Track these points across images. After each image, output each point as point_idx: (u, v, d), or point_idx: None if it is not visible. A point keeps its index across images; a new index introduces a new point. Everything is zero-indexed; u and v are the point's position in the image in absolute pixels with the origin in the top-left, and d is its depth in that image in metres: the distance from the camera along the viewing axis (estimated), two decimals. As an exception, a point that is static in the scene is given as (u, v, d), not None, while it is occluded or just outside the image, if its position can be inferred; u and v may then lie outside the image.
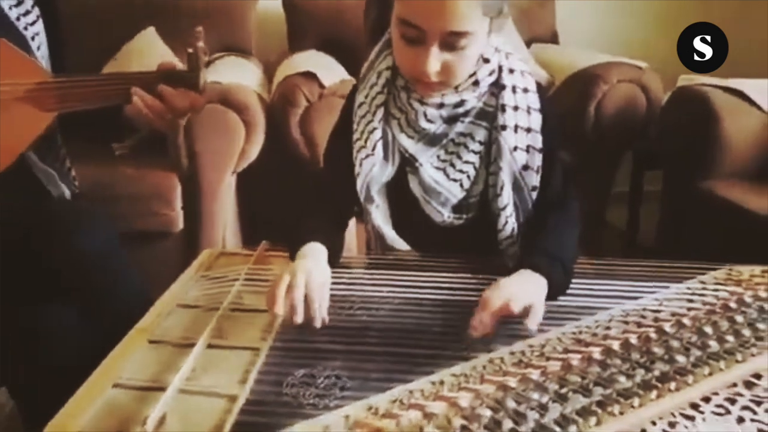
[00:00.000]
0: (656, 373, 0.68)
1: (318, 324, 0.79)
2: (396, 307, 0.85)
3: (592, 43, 2.43)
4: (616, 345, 0.71)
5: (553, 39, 2.40)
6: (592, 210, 1.94)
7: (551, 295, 0.84)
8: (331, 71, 1.77)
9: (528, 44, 2.30)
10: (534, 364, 0.69)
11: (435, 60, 0.82)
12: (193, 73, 0.99)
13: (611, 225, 2.47)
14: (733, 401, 0.69)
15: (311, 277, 0.80)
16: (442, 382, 0.66)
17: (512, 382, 0.64)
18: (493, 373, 0.68)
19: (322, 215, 0.96)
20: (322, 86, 1.69)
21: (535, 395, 0.63)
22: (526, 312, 0.77)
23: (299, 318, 0.77)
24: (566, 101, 1.93)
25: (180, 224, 1.69)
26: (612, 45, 2.40)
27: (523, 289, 0.79)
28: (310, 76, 1.71)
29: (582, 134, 1.86)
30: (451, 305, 0.85)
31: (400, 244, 0.98)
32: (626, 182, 2.30)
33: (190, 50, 0.98)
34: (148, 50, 1.96)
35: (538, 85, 0.96)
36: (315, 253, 0.88)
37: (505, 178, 0.91)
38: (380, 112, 0.92)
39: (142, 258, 1.66)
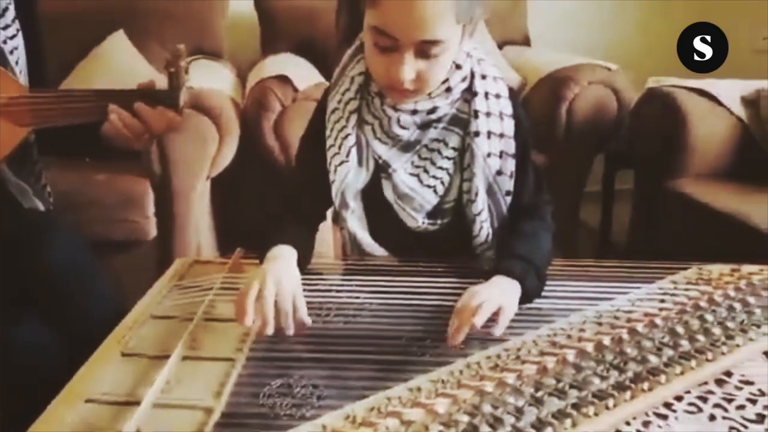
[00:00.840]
0: (629, 374, 0.69)
1: (290, 332, 0.78)
2: (373, 314, 0.85)
3: (564, 45, 2.46)
4: (589, 347, 0.72)
5: (525, 41, 2.43)
6: (566, 210, 1.96)
7: (525, 300, 0.84)
8: (305, 74, 1.76)
9: (500, 47, 2.31)
10: (510, 367, 0.69)
11: (409, 68, 0.81)
12: (173, 92, 0.97)
13: (585, 224, 2.50)
14: (705, 399, 0.70)
15: (281, 285, 0.79)
16: (419, 389, 0.66)
17: (489, 386, 0.65)
18: (470, 377, 0.68)
19: (293, 219, 0.96)
20: (295, 90, 1.69)
21: (512, 399, 0.63)
22: (495, 316, 0.78)
23: (270, 329, 0.76)
24: (538, 103, 1.95)
25: (153, 232, 1.66)
26: (583, 46, 2.44)
27: (494, 295, 0.80)
28: (283, 79, 1.71)
29: (554, 135, 1.88)
30: (428, 310, 0.85)
31: (376, 250, 0.98)
32: (600, 181, 2.33)
33: (172, 69, 0.96)
34: (117, 53, 1.93)
35: (510, 89, 0.96)
36: (284, 256, 0.86)
37: (479, 184, 0.92)
38: (354, 118, 0.92)
39: (114, 266, 1.64)
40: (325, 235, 1.15)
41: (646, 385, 0.68)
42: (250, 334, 0.80)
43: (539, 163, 1.80)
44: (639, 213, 1.86)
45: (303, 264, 0.89)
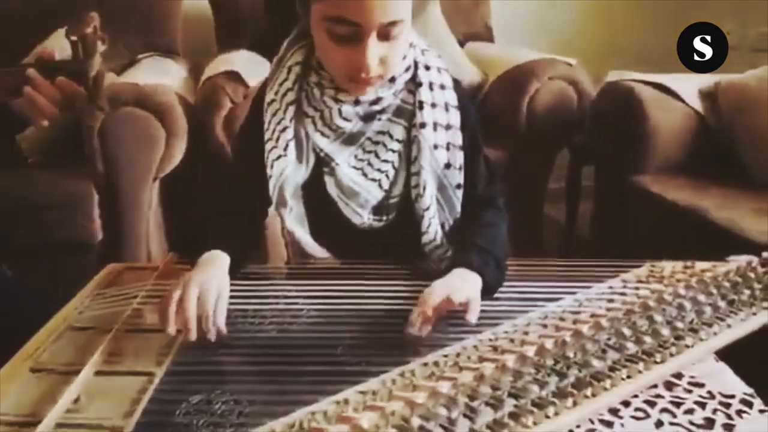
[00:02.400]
0: (571, 379, 0.65)
1: (212, 337, 0.74)
2: (310, 321, 0.81)
3: (527, 40, 2.45)
4: (531, 351, 0.68)
5: (489, 36, 2.40)
6: (529, 206, 1.93)
7: (486, 292, 0.83)
8: (256, 71, 1.70)
9: (463, 42, 2.29)
10: (446, 375, 0.65)
11: (374, 53, 0.78)
12: (76, 62, 0.89)
13: (552, 220, 2.49)
14: (652, 404, 0.67)
15: (204, 289, 0.75)
16: (347, 401, 0.62)
17: (420, 397, 0.60)
18: (403, 387, 0.64)
19: (231, 218, 0.91)
20: (246, 86, 1.63)
21: (444, 411, 0.59)
22: (464, 307, 0.77)
23: (192, 335, 0.72)
24: (499, 98, 1.92)
25: (98, 235, 1.59)
26: (545, 41, 2.43)
27: (460, 284, 0.79)
28: (233, 75, 1.65)
29: (515, 131, 1.85)
30: (370, 315, 0.80)
31: (317, 251, 0.94)
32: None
33: (74, 37, 0.88)
34: (62, 50, 1.84)
35: (456, 81, 0.93)
36: (214, 261, 0.82)
37: (428, 177, 0.88)
38: (291, 110, 0.87)
39: (58, 272, 1.57)
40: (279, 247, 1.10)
41: (589, 391, 0.64)
42: (173, 346, 0.74)
43: (500, 158, 1.81)
44: (600, 208, 1.84)
45: (240, 266, 0.85)
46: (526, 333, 0.74)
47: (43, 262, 1.52)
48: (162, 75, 1.76)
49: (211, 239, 0.86)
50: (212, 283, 0.77)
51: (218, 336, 0.74)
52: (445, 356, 0.70)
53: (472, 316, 0.77)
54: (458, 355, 0.70)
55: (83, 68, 0.88)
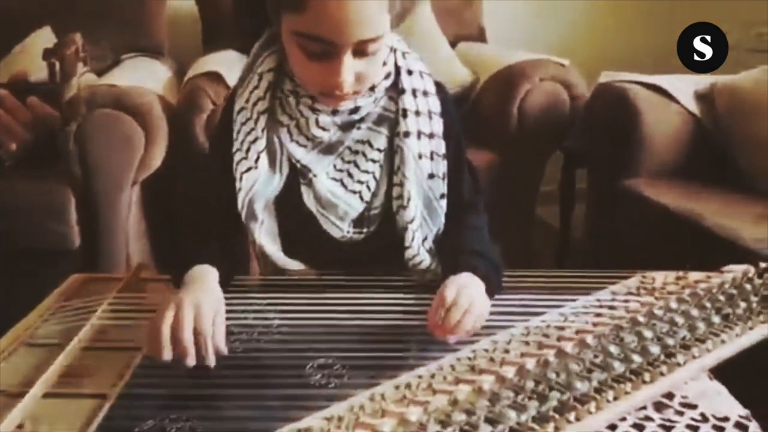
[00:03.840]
0: (553, 402, 0.60)
1: (212, 363, 0.68)
2: (279, 338, 0.76)
3: (520, 41, 2.41)
4: (510, 373, 0.63)
5: (481, 37, 2.37)
6: (520, 209, 1.89)
7: (489, 296, 0.79)
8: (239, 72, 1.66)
9: (455, 43, 2.25)
10: (418, 399, 0.60)
11: (350, 72, 0.74)
12: (53, 85, 0.86)
13: (546, 224, 2.45)
14: (641, 428, 0.63)
15: (200, 310, 0.69)
16: (308, 429, 0.57)
17: (387, 425, 0.56)
18: (372, 413, 0.59)
19: (210, 230, 0.87)
20: (228, 87, 1.58)
21: (413, 440, 0.54)
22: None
23: (191, 360, 0.66)
24: (490, 100, 1.89)
25: (76, 241, 1.54)
26: (538, 42, 2.39)
27: (476, 298, 0.75)
28: (215, 77, 1.60)
29: (506, 133, 1.81)
30: (344, 332, 0.76)
31: (290, 265, 0.89)
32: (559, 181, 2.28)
33: (52, 60, 0.85)
34: (40, 52, 1.79)
35: (438, 84, 0.89)
36: (203, 277, 0.77)
37: (412, 188, 0.84)
38: (263, 120, 0.82)
39: (35, 280, 1.52)
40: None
41: (572, 416, 0.59)
42: (131, 366, 0.70)
43: (491, 160, 1.77)
44: (593, 213, 1.80)
45: (227, 280, 0.81)
46: (506, 351, 0.69)
47: (17, 270, 1.48)
48: (144, 76, 1.71)
49: (193, 254, 0.81)
50: (207, 301, 0.71)
51: (217, 357, 0.69)
52: (420, 377, 0.65)
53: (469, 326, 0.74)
54: (433, 376, 0.65)
55: (58, 91, 0.85)
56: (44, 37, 1.87)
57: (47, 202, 1.53)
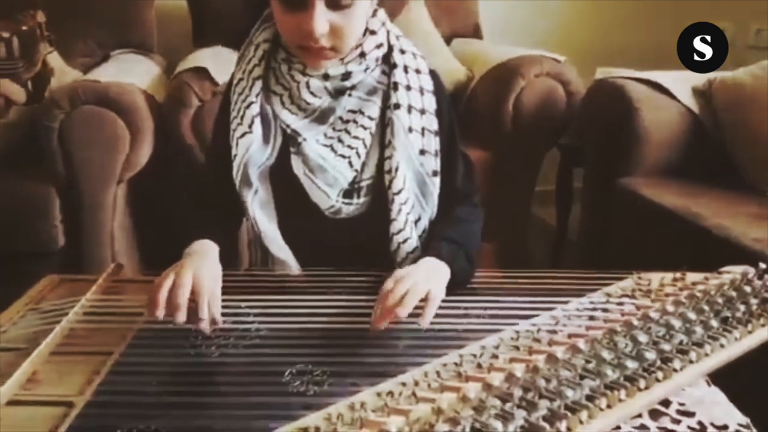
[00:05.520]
0: (542, 411, 0.57)
1: (206, 326, 0.71)
2: (258, 341, 0.73)
3: (515, 37, 2.39)
4: (497, 380, 0.60)
5: (476, 33, 2.34)
6: (516, 207, 1.87)
7: (455, 284, 0.81)
8: (227, 68, 1.62)
9: (450, 39, 2.23)
10: (400, 408, 0.57)
11: (321, 20, 0.77)
12: (10, 61, 0.84)
13: (544, 222, 2.43)
14: (636, 437, 0.60)
15: (199, 273, 0.73)
16: (283, 441, 0.54)
17: (366, 437, 0.52)
18: (351, 422, 0.56)
19: (210, 216, 0.89)
20: (215, 84, 1.55)
21: (392, 453, 0.51)
22: (422, 303, 0.74)
23: (182, 317, 0.70)
24: (484, 97, 1.86)
25: (60, 241, 1.51)
26: (534, 38, 2.37)
27: (420, 280, 0.75)
28: (201, 72, 1.57)
29: (501, 130, 1.78)
30: (325, 336, 0.73)
31: (279, 245, 0.87)
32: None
33: (5, 34, 0.82)
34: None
35: (432, 70, 0.90)
36: (204, 250, 0.81)
37: (401, 159, 0.85)
38: (258, 85, 0.85)
39: (17, 281, 1.49)
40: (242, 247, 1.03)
41: (563, 425, 0.56)
42: (101, 371, 0.66)
43: (486, 158, 1.74)
44: (589, 211, 1.77)
45: (225, 260, 0.82)
46: (495, 356, 0.66)
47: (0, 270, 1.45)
48: (130, 72, 1.68)
49: (194, 232, 0.83)
50: (206, 269, 0.75)
51: (213, 327, 0.72)
52: (403, 384, 0.62)
53: (424, 321, 0.73)
54: (417, 383, 0.62)
55: (17, 67, 0.83)
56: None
57: (30, 200, 1.49)
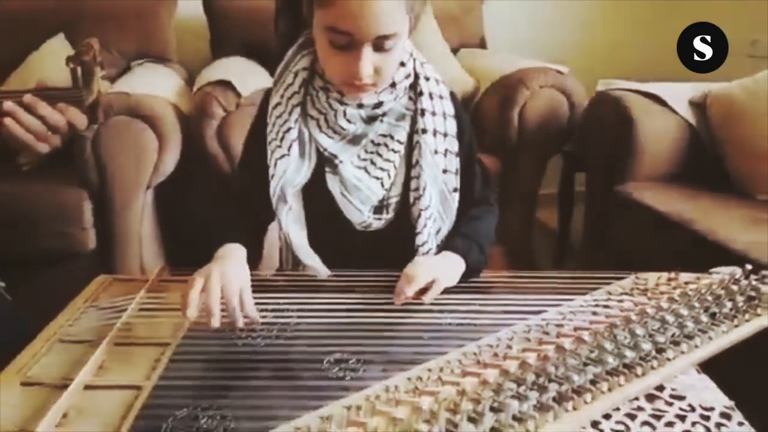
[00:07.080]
0: (552, 393, 0.66)
1: (240, 324, 0.78)
2: (297, 334, 0.81)
3: (520, 48, 2.45)
4: (513, 366, 0.69)
5: (481, 44, 2.41)
6: (521, 213, 1.94)
7: (470, 273, 0.92)
8: (250, 79, 1.71)
9: (456, 50, 2.29)
10: (429, 390, 0.66)
11: (368, 63, 0.82)
12: (76, 90, 0.91)
13: (547, 227, 2.49)
14: (633, 417, 0.68)
15: (227, 277, 0.78)
16: (329, 417, 0.62)
17: (400, 412, 0.61)
18: (386, 402, 0.65)
19: (239, 222, 0.95)
20: (239, 95, 1.63)
21: (425, 427, 0.60)
22: (428, 285, 0.85)
23: (215, 322, 0.74)
24: (490, 108, 1.93)
25: (91, 244, 1.60)
26: (538, 49, 2.43)
27: (432, 267, 0.87)
28: (226, 85, 1.65)
29: (507, 140, 1.86)
30: (357, 328, 0.81)
31: (309, 256, 0.94)
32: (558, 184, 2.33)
33: (72, 65, 0.90)
34: (56, 59, 1.85)
35: (451, 93, 0.98)
36: (232, 253, 0.86)
37: (428, 179, 0.93)
38: (296, 112, 0.91)
39: (51, 282, 1.57)
40: (273, 251, 1.11)
41: (570, 405, 0.65)
42: (161, 359, 0.75)
43: (491, 165, 1.82)
44: (591, 216, 1.84)
45: (252, 265, 0.88)
46: (509, 347, 0.75)
47: (35, 272, 1.53)
48: (157, 83, 1.76)
49: (222, 238, 0.89)
50: (235, 273, 0.80)
51: (249, 325, 0.79)
52: (429, 370, 0.71)
53: (427, 299, 0.85)
54: (441, 369, 0.71)
55: (82, 95, 0.90)
56: (58, 45, 1.92)
57: (63, 206, 1.57)
